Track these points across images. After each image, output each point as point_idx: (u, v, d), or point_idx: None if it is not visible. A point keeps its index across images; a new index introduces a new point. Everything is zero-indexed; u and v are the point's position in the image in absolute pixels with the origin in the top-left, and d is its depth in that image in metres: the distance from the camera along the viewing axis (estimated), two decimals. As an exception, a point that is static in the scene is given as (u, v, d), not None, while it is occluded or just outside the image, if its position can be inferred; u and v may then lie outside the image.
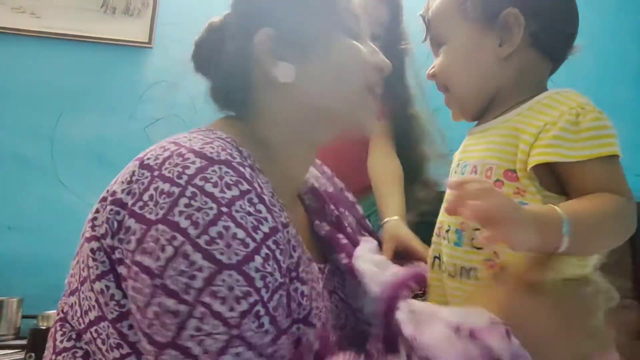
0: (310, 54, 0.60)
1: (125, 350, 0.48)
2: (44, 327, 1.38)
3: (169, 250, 0.45)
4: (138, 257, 0.46)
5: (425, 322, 0.50)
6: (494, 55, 0.61)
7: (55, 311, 0.51)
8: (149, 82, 1.95)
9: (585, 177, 0.52)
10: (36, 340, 1.31)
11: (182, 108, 1.90)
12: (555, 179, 0.55)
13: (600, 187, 0.52)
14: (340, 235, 0.68)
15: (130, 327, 0.48)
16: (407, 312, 0.52)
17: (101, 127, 1.88)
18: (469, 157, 0.62)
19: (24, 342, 1.41)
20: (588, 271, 0.56)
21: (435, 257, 0.63)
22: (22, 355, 1.33)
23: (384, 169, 1.20)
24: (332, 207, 0.72)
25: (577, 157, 0.52)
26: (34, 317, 1.49)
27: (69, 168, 1.83)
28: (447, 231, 0.61)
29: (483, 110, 0.65)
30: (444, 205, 0.64)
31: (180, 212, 0.46)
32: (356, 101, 0.62)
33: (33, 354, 1.29)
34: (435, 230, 0.64)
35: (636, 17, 2.29)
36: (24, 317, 1.57)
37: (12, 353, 1.37)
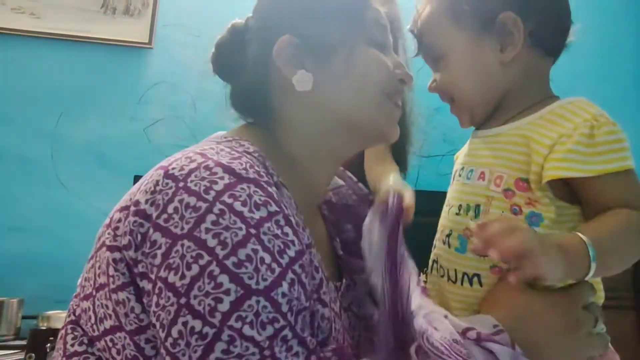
0: (331, 62, 0.60)
1: None
2: (44, 328, 1.38)
3: (195, 268, 0.44)
4: (163, 273, 0.45)
5: (436, 320, 0.50)
6: (497, 60, 0.60)
7: (55, 312, 0.51)
8: (149, 83, 1.95)
9: (601, 191, 0.52)
10: (36, 341, 1.31)
11: (183, 109, 1.90)
12: (569, 189, 0.54)
13: (617, 202, 0.52)
14: (352, 259, 0.67)
15: (147, 341, 0.48)
16: (418, 305, 0.53)
17: (101, 127, 1.88)
18: (475, 162, 0.61)
19: (24, 342, 1.40)
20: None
21: (434, 261, 0.63)
22: (22, 355, 1.32)
23: (382, 172, 1.21)
24: (349, 226, 0.71)
25: (593, 171, 0.51)
26: (34, 317, 1.49)
27: (69, 168, 1.83)
28: (448, 236, 0.60)
29: (491, 114, 0.64)
30: (445, 209, 0.63)
31: (207, 230, 0.45)
32: (376, 110, 0.61)
33: (33, 355, 1.28)
34: (437, 234, 0.64)
35: (636, 17, 2.29)
36: (24, 317, 1.57)
37: (12, 353, 1.37)
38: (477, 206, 0.57)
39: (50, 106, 1.86)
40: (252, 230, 0.46)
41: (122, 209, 0.51)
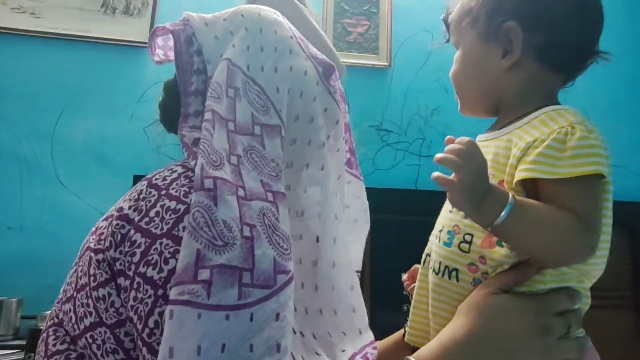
0: None
1: (120, 356, 0.49)
2: (43, 328, 1.38)
3: (172, 262, 0.46)
4: (141, 269, 0.47)
5: None
6: (497, 65, 0.63)
7: None
8: (149, 82, 1.95)
9: (557, 194, 0.53)
10: (35, 341, 1.31)
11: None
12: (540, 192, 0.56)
13: (566, 206, 0.53)
14: None
15: (126, 334, 0.49)
16: None
17: (101, 126, 1.88)
18: None
19: (22, 342, 1.41)
20: (573, 283, 0.56)
21: (427, 254, 0.66)
22: (21, 355, 1.33)
23: None
24: None
25: (557, 174, 0.53)
26: (34, 317, 1.49)
27: (68, 168, 1.83)
28: (441, 231, 0.63)
29: (492, 113, 0.67)
30: (443, 207, 0.65)
31: (185, 228, 0.46)
32: None
33: (32, 354, 1.29)
34: (434, 230, 0.66)
35: (633, 15, 2.30)
36: (23, 317, 1.57)
37: (11, 353, 1.37)
38: None
39: (49, 105, 1.86)
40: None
41: (106, 218, 0.53)
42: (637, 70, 2.25)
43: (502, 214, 0.52)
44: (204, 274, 0.43)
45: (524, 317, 0.53)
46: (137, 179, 1.82)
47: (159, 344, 0.44)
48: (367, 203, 0.77)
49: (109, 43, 1.94)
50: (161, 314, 0.45)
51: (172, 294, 0.42)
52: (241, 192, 0.49)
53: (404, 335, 0.70)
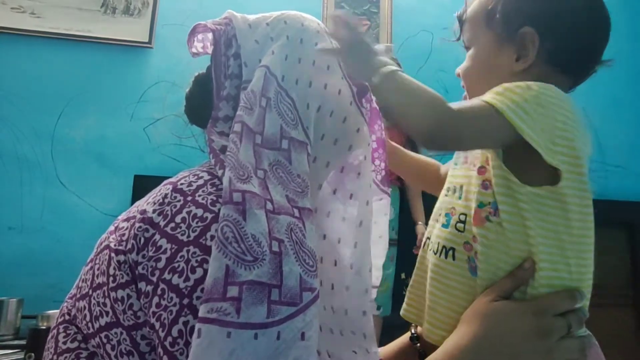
0: None
1: (135, 358, 0.48)
2: (44, 327, 1.38)
3: (199, 272, 0.45)
4: (167, 275, 0.46)
5: None
6: (510, 68, 0.64)
7: (55, 311, 0.52)
8: (149, 82, 1.95)
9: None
10: (36, 340, 1.32)
11: (182, 108, 1.90)
12: (516, 159, 0.57)
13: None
14: None
15: (143, 337, 0.48)
16: None
17: (101, 127, 1.89)
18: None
19: (23, 342, 1.41)
20: (577, 284, 0.57)
21: (427, 238, 0.67)
22: (21, 355, 1.33)
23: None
24: None
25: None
26: (34, 317, 1.50)
27: (68, 168, 1.83)
28: (440, 215, 0.65)
29: None
30: (441, 193, 0.67)
31: (212, 237, 0.46)
32: None
33: (33, 354, 1.29)
34: (432, 214, 0.68)
35: (634, 17, 2.30)
36: (23, 317, 1.57)
37: (11, 353, 1.37)
38: (461, 187, 0.62)
39: (50, 105, 1.87)
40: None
41: (128, 219, 0.52)
42: (638, 71, 2.25)
43: (380, 74, 0.57)
44: (233, 291, 0.43)
45: (524, 320, 0.54)
46: (137, 179, 1.82)
47: (181, 353, 0.44)
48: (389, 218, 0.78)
49: (109, 43, 1.94)
50: (186, 323, 0.44)
51: (201, 311, 0.42)
52: (269, 206, 0.49)
53: (410, 338, 0.71)
